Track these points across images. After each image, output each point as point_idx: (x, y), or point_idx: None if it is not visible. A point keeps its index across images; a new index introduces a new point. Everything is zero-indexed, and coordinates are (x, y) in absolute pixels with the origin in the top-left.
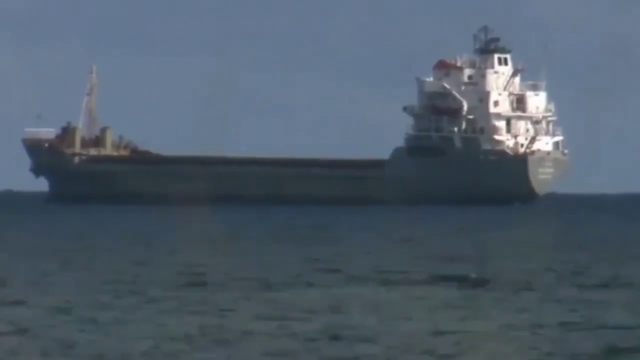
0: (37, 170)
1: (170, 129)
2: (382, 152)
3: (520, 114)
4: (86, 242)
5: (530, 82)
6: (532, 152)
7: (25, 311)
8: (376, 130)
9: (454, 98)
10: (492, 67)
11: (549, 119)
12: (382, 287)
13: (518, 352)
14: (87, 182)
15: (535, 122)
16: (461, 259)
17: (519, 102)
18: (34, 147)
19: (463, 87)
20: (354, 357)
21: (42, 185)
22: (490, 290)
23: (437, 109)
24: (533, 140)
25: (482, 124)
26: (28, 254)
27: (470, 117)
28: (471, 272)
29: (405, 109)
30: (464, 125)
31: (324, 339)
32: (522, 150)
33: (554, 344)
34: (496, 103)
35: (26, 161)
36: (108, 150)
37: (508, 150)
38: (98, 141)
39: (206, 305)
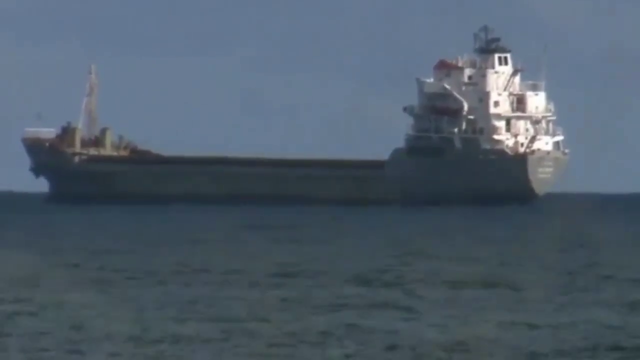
0: (37, 170)
1: (170, 129)
2: (382, 152)
3: (520, 114)
4: (85, 241)
5: (530, 82)
6: (532, 152)
7: (15, 308)
8: (376, 130)
9: (454, 98)
10: (493, 67)
11: (549, 118)
12: (381, 287)
13: (514, 350)
14: (87, 182)
15: (535, 121)
16: (460, 259)
17: (519, 102)
18: (34, 147)
19: (463, 88)
20: (350, 357)
21: (42, 185)
22: (488, 290)
23: (437, 109)
24: (533, 139)
25: (482, 124)
26: (26, 253)
27: (471, 117)
28: (470, 272)
29: (405, 109)
30: (464, 126)
31: (322, 338)
32: (522, 149)
33: (550, 342)
34: (496, 103)
35: (26, 161)
36: (108, 150)
37: (507, 150)
38: (98, 141)
39: (200, 303)
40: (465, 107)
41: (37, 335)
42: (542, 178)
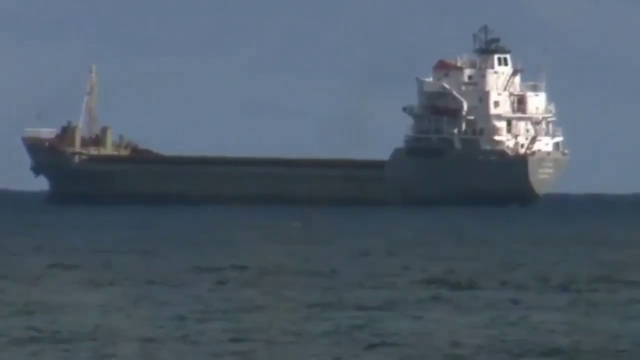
0: (37, 169)
1: (170, 129)
2: (382, 152)
3: (521, 114)
4: (85, 241)
5: (530, 83)
6: (532, 153)
7: (14, 309)
8: (376, 130)
9: (454, 98)
10: (492, 67)
11: (549, 119)
12: (381, 287)
13: (512, 349)
14: (87, 182)
15: (536, 122)
16: (460, 259)
17: (519, 103)
18: (34, 146)
19: (463, 88)
20: (350, 356)
21: (42, 184)
22: (488, 290)
23: (437, 109)
24: (533, 140)
25: (482, 125)
26: (25, 253)
27: (470, 117)
28: (469, 272)
29: (405, 109)
30: (463, 126)
31: (322, 338)
32: (522, 150)
33: (548, 342)
34: (496, 103)
35: (26, 161)
36: (108, 149)
37: (508, 151)
38: (98, 141)
39: (200, 303)
40: (465, 106)
41: (36, 335)
42: (542, 179)
